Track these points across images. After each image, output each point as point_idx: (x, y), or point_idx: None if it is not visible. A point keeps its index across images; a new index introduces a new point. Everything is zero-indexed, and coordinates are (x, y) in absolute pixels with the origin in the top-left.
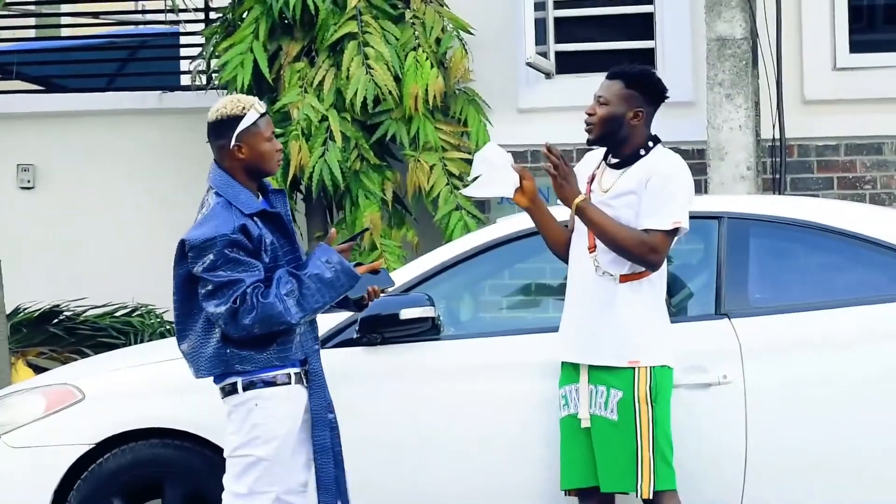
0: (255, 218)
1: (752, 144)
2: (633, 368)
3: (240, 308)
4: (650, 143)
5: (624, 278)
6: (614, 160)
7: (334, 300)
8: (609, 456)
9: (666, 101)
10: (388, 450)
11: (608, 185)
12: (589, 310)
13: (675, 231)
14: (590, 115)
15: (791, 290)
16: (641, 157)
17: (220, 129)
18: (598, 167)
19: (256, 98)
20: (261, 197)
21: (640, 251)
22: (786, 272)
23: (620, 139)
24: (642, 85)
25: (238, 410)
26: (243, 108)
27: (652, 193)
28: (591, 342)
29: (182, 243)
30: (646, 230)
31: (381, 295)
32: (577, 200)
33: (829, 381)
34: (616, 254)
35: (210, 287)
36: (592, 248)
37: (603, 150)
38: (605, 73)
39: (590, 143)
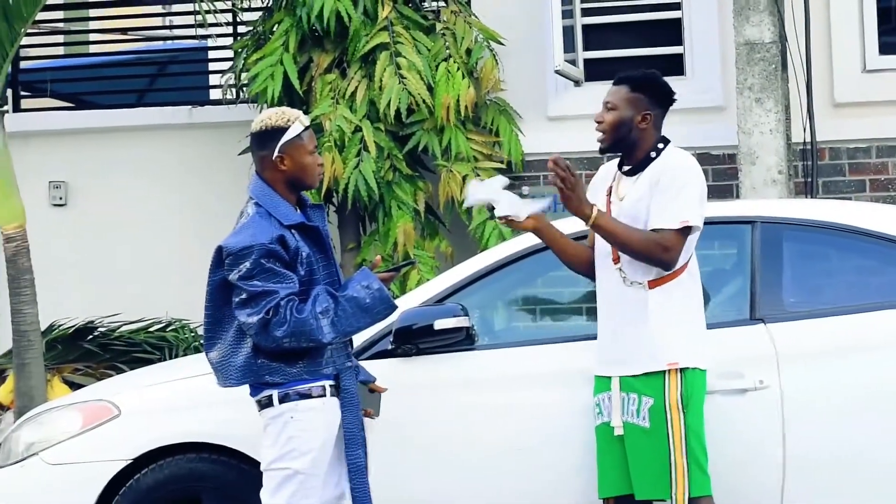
0: (293, 230)
1: (782, 148)
2: (664, 375)
3: (272, 319)
4: (660, 146)
5: (652, 284)
6: (627, 167)
7: (369, 326)
8: (642, 463)
9: (674, 103)
10: (423, 459)
11: (624, 193)
12: (622, 320)
13: (686, 230)
14: (599, 122)
15: (826, 293)
16: (652, 159)
17: (264, 139)
18: (614, 178)
19: (301, 112)
20: (298, 210)
21: (651, 251)
22: (820, 276)
23: (631, 143)
24: (649, 87)
25: (274, 423)
26: (288, 121)
27: (660, 192)
28: (625, 353)
29: (219, 249)
30: (656, 230)
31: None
32: (592, 216)
33: (866, 384)
34: (631, 258)
35: (244, 296)
36: (617, 260)
37: (616, 161)
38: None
39: (602, 151)
